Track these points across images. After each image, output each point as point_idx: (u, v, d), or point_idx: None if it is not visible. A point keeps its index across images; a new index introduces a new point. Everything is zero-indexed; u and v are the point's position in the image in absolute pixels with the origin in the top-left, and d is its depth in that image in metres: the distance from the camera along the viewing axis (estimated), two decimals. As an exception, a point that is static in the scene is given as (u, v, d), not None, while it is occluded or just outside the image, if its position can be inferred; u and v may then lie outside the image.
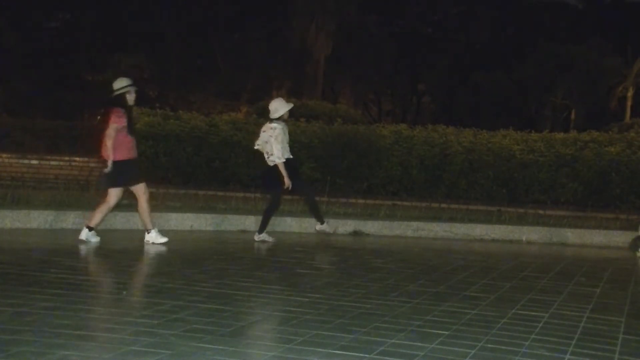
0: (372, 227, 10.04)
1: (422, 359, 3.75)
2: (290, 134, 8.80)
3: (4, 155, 17.30)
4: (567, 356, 3.96)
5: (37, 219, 8.54)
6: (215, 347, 3.75)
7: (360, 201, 13.37)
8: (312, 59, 33.49)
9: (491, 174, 15.03)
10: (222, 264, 6.74)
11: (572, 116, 37.38)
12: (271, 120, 8.54)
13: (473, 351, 3.93)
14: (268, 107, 8.85)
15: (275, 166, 8.43)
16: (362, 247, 8.77)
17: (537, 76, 35.28)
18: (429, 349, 3.92)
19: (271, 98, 26.34)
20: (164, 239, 7.84)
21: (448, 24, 42.81)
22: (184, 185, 14.65)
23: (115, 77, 8.28)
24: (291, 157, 8.62)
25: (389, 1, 39.90)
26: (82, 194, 10.48)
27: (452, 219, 10.76)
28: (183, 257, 7.32)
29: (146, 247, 7.66)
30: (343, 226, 9.85)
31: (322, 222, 8.85)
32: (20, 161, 17.09)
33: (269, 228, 8.70)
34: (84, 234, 7.78)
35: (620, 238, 10.23)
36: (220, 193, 13.54)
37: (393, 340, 4.05)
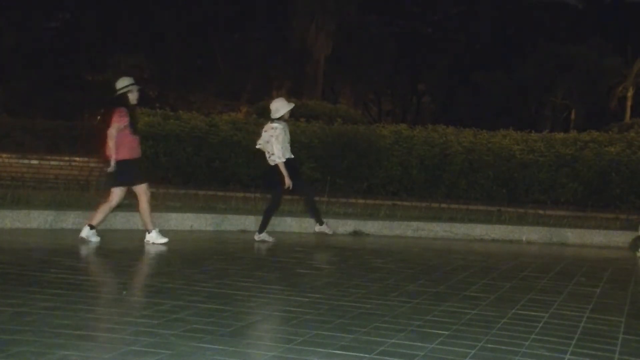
0: (372, 227, 10.04)
1: (422, 359, 3.75)
2: (290, 133, 8.80)
3: (4, 155, 17.30)
4: (567, 356, 3.96)
5: (37, 219, 8.54)
6: (215, 347, 3.75)
7: (360, 201, 13.37)
8: (312, 59, 33.49)
9: (491, 174, 15.04)
10: (222, 264, 6.74)
11: (572, 116, 37.38)
12: (272, 120, 8.55)
13: (473, 351, 3.93)
14: (269, 107, 8.85)
15: (276, 166, 8.43)
16: (362, 247, 8.77)
17: (537, 76, 35.28)
18: (429, 349, 3.92)
19: (271, 98, 26.32)
20: (164, 240, 7.84)
21: (448, 24, 42.81)
22: (184, 185, 14.65)
23: (116, 77, 8.29)
24: (292, 157, 8.62)
25: (389, 1, 39.90)
26: (82, 194, 10.48)
27: (452, 219, 10.76)
28: (183, 257, 7.32)
29: (146, 247, 7.66)
30: (343, 226, 9.85)
31: (320, 224, 8.84)
32: (20, 161, 17.09)
33: (269, 228, 8.70)
34: (85, 232, 7.78)
35: (620, 238, 10.23)
36: (220, 193, 13.54)
37: (393, 340, 4.05)
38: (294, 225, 9.72)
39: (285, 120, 8.63)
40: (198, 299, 4.96)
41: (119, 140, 7.68)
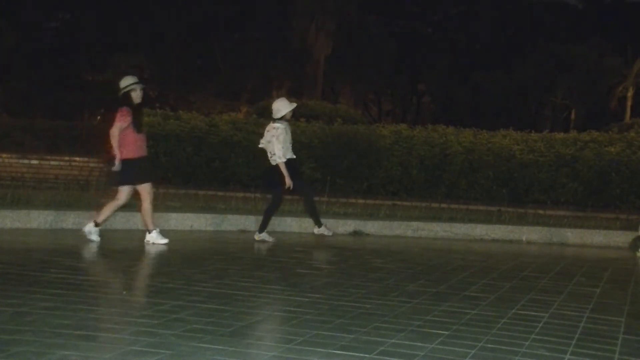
0: (372, 227, 10.03)
1: (422, 359, 3.75)
2: (291, 133, 8.79)
3: (4, 155, 17.30)
4: (567, 356, 3.96)
5: (37, 219, 8.54)
6: (215, 347, 3.75)
7: (360, 201, 13.37)
8: (312, 59, 33.51)
9: (491, 174, 15.04)
10: (222, 264, 6.74)
11: (572, 116, 37.41)
12: (274, 120, 8.54)
13: (473, 351, 3.93)
14: (269, 107, 8.85)
15: (277, 166, 8.43)
16: (362, 247, 8.77)
17: (537, 76, 35.31)
18: (429, 349, 3.92)
19: (271, 98, 26.33)
20: (165, 240, 7.84)
21: (448, 24, 42.85)
22: (184, 185, 14.65)
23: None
24: (294, 157, 8.61)
25: (389, 1, 39.92)
26: (82, 194, 10.48)
27: (452, 219, 10.76)
28: (183, 257, 7.32)
29: (146, 247, 7.66)
30: (343, 226, 9.85)
31: (319, 226, 8.83)
32: (20, 161, 17.08)
33: (269, 228, 8.70)
34: (88, 228, 7.81)
35: (620, 238, 10.23)
36: (220, 193, 13.54)
37: (393, 340, 4.05)
38: (294, 225, 9.72)
39: (287, 120, 8.62)
40: (198, 299, 4.96)
41: (123, 140, 7.69)
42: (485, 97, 37.15)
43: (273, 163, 8.49)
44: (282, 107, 8.54)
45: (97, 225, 7.84)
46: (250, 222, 9.47)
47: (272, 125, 8.57)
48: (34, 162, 17.12)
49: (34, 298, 4.71)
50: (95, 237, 7.79)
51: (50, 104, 30.97)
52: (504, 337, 4.27)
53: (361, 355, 3.74)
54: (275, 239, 8.68)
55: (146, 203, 7.84)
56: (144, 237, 7.93)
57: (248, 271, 6.38)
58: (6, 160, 17.12)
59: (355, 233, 9.86)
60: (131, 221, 8.85)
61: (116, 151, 7.68)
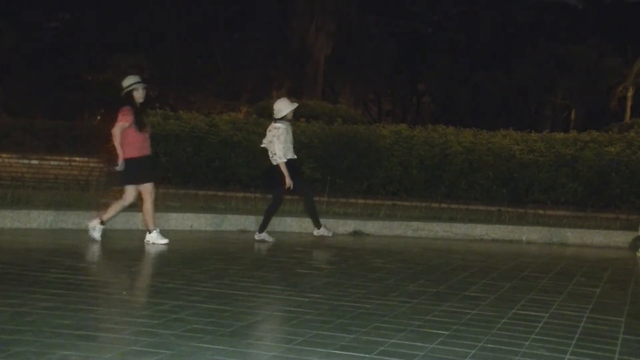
0: (372, 227, 10.03)
1: (422, 359, 3.75)
2: (292, 133, 8.78)
3: (4, 155, 17.30)
4: (567, 356, 3.96)
5: (37, 219, 8.54)
6: (215, 347, 3.75)
7: (360, 201, 13.37)
8: (312, 59, 33.50)
9: (491, 174, 15.03)
10: (222, 264, 6.74)
11: (572, 116, 37.42)
12: (275, 120, 8.55)
13: (473, 351, 3.93)
14: (269, 107, 8.87)
15: (277, 166, 8.44)
16: (362, 247, 8.77)
17: (537, 76, 35.31)
18: (429, 349, 3.92)
19: (271, 98, 26.25)
20: (165, 240, 7.85)
21: (448, 24, 42.83)
22: (184, 185, 14.65)
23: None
24: (295, 157, 8.61)
25: (389, 1, 39.92)
26: (82, 194, 10.48)
27: (452, 219, 10.76)
28: (183, 257, 7.32)
29: (146, 247, 7.66)
30: (343, 226, 9.85)
31: (319, 227, 8.82)
32: (20, 161, 17.08)
33: (269, 228, 8.70)
34: (93, 224, 7.85)
35: (620, 238, 10.23)
36: (220, 193, 13.54)
37: (393, 340, 4.05)
38: (294, 225, 9.72)
39: (288, 121, 8.62)
40: (198, 299, 4.96)
41: (125, 139, 7.70)
42: (485, 97, 37.15)
43: (274, 163, 8.49)
44: (283, 107, 8.54)
45: (102, 223, 7.87)
46: (250, 222, 9.47)
47: (273, 125, 8.58)
48: (34, 162, 17.12)
49: (34, 298, 4.71)
50: (97, 235, 7.81)
51: (50, 104, 30.96)
52: (504, 337, 4.27)
53: (361, 355, 3.74)
54: (275, 239, 8.68)
55: (147, 203, 7.84)
56: (144, 237, 7.93)
57: (248, 271, 6.38)
58: (6, 160, 17.11)
59: (355, 233, 9.86)
60: (131, 221, 8.85)
61: (119, 151, 7.69)
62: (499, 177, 15.04)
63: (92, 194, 10.49)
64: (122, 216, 8.84)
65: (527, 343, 4.17)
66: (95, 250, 7.47)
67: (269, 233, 8.68)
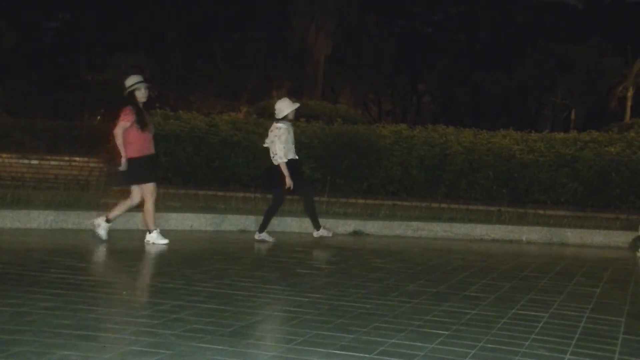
0: (372, 227, 10.03)
1: (422, 359, 3.75)
2: (293, 134, 8.78)
3: (4, 155, 17.30)
4: (567, 356, 3.96)
5: (37, 219, 8.54)
6: (215, 347, 3.75)
7: (360, 201, 13.37)
8: (312, 59, 33.51)
9: (491, 174, 15.03)
10: (222, 264, 6.74)
11: (572, 116, 37.42)
12: (277, 120, 8.56)
13: (473, 351, 3.93)
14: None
15: (278, 166, 8.45)
16: (362, 247, 8.77)
17: (537, 76, 35.32)
18: (429, 349, 3.92)
19: (271, 98, 26.22)
20: (165, 241, 7.85)
21: (448, 24, 42.84)
22: (184, 185, 14.66)
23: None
24: (296, 157, 8.61)
25: (389, 1, 39.92)
26: (82, 194, 10.48)
27: (452, 219, 10.76)
28: (183, 257, 7.32)
29: (146, 247, 7.66)
30: (343, 226, 9.85)
31: (318, 228, 8.81)
32: (20, 161, 17.09)
33: (269, 228, 8.70)
34: (98, 221, 7.91)
35: (620, 238, 10.23)
36: (220, 193, 13.55)
37: (393, 340, 4.05)
38: (294, 225, 9.72)
39: (290, 121, 8.63)
40: (198, 299, 4.96)
41: (128, 139, 7.71)
42: (485, 97, 37.15)
43: (275, 163, 8.50)
44: (284, 107, 8.55)
45: (108, 221, 7.89)
46: (250, 222, 9.47)
47: (275, 125, 8.59)
48: (34, 162, 17.13)
49: (34, 298, 4.71)
50: (103, 233, 7.85)
51: (50, 104, 30.96)
52: (504, 337, 4.27)
53: (361, 355, 3.74)
54: (275, 239, 8.68)
55: (149, 203, 7.85)
56: (144, 237, 7.94)
57: (248, 271, 6.38)
58: (6, 160, 17.12)
59: (355, 233, 9.86)
60: (131, 221, 8.85)
61: (121, 151, 7.71)
62: (499, 177, 15.04)
63: (92, 194, 10.49)
64: (122, 216, 8.83)
65: (527, 343, 4.17)
66: (95, 250, 7.47)
67: (269, 233, 8.68)
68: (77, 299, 4.77)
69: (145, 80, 8.05)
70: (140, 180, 7.84)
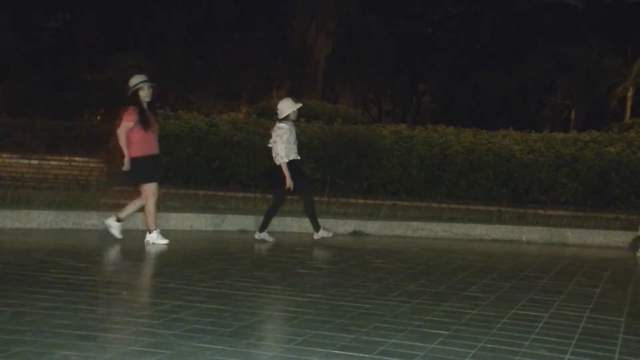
0: (372, 227, 10.03)
1: (422, 359, 3.75)
2: (295, 134, 8.77)
3: (4, 155, 17.31)
4: (567, 356, 3.96)
5: (37, 219, 8.54)
6: (215, 347, 3.75)
7: (360, 201, 13.37)
8: (312, 59, 33.50)
9: (491, 174, 15.03)
10: (222, 264, 6.74)
11: (572, 116, 37.42)
12: (279, 121, 8.57)
13: (473, 351, 3.93)
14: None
15: (280, 166, 8.45)
16: (362, 247, 8.78)
17: (537, 76, 35.32)
18: (429, 349, 3.92)
19: (271, 98, 26.20)
20: (165, 241, 7.85)
21: (448, 24, 42.81)
22: (184, 185, 14.65)
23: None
24: (298, 158, 8.61)
25: (389, 1, 39.90)
26: (82, 194, 10.48)
27: (452, 219, 10.76)
28: (183, 257, 7.32)
29: (146, 247, 7.66)
30: (343, 226, 9.84)
31: (317, 230, 8.78)
32: (20, 161, 17.09)
33: (269, 228, 8.70)
34: (109, 221, 7.99)
35: (620, 238, 10.23)
36: (220, 193, 13.55)
37: (393, 340, 4.05)
38: (294, 225, 9.72)
39: (292, 121, 8.63)
40: (198, 299, 4.96)
41: (131, 139, 7.72)
42: (485, 97, 37.15)
43: (277, 163, 8.50)
44: (286, 107, 8.56)
45: (119, 220, 7.93)
46: (250, 222, 9.47)
47: (277, 125, 8.60)
48: (34, 162, 17.13)
49: (34, 298, 4.71)
50: (116, 232, 7.92)
51: (50, 104, 30.97)
52: (504, 337, 4.27)
53: (361, 355, 3.74)
54: (275, 239, 8.68)
55: (150, 203, 7.85)
56: (144, 237, 7.94)
57: (248, 271, 6.38)
58: (6, 160, 17.13)
59: (355, 233, 9.86)
60: (131, 221, 8.83)
61: (124, 150, 7.72)
62: (499, 177, 15.03)
63: (92, 194, 10.49)
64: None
65: (527, 343, 4.17)
66: (95, 250, 7.47)
67: (269, 233, 8.68)
68: (77, 299, 4.77)
69: (149, 80, 8.04)
70: (141, 180, 7.85)
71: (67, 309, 4.45)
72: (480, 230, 10.25)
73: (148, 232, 7.90)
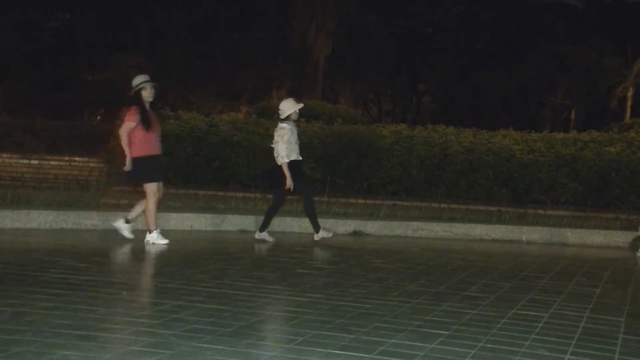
0: (372, 227, 10.03)
1: (422, 359, 3.75)
2: (297, 134, 8.76)
3: (4, 155, 17.31)
4: (567, 356, 3.96)
5: (37, 219, 8.54)
6: (215, 347, 3.75)
7: (360, 201, 13.38)
8: (312, 59, 33.50)
9: (491, 174, 15.04)
10: (222, 264, 6.74)
11: (572, 116, 37.43)
12: (281, 121, 8.57)
13: (473, 351, 3.93)
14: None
15: (280, 166, 8.45)
16: (362, 247, 8.77)
17: (537, 76, 35.33)
18: (429, 349, 3.92)
19: (271, 98, 26.17)
20: (165, 241, 7.85)
21: (448, 24, 42.83)
22: (184, 185, 14.66)
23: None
24: (299, 158, 8.60)
25: (389, 1, 39.91)
26: (82, 194, 10.48)
27: (452, 219, 10.76)
28: (183, 257, 7.32)
29: (146, 247, 7.66)
30: (343, 226, 9.84)
31: (317, 231, 8.76)
32: (20, 161, 17.09)
33: (269, 228, 8.70)
34: (118, 224, 8.02)
35: (620, 238, 10.22)
36: (220, 193, 13.55)
37: (393, 340, 4.05)
38: (294, 225, 9.72)
39: (294, 121, 8.63)
40: (198, 299, 4.95)
41: (132, 139, 7.73)
42: (485, 97, 37.16)
43: (278, 163, 8.51)
44: (287, 107, 8.56)
45: (127, 222, 7.94)
46: (250, 222, 9.47)
47: (279, 125, 8.60)
48: (34, 162, 17.13)
49: (34, 298, 4.71)
50: (127, 233, 7.93)
51: (50, 104, 30.97)
52: (504, 337, 4.27)
53: (361, 355, 3.74)
54: (275, 239, 8.68)
55: (151, 203, 7.85)
56: (144, 237, 7.94)
57: (248, 271, 6.38)
58: (6, 160, 17.13)
59: (356, 233, 9.86)
60: (131, 221, 8.84)
61: (126, 150, 7.72)
62: (499, 177, 15.04)
63: (92, 194, 10.49)
64: (122, 216, 8.83)
65: (527, 343, 4.17)
66: (95, 250, 7.47)
67: (269, 233, 8.68)
68: (77, 299, 4.77)
69: (152, 80, 8.03)
70: (142, 180, 7.85)
71: (67, 309, 4.45)
72: (480, 230, 10.25)
73: (148, 232, 7.90)
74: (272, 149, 8.69)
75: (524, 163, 14.98)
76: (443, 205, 13.53)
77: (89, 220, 8.68)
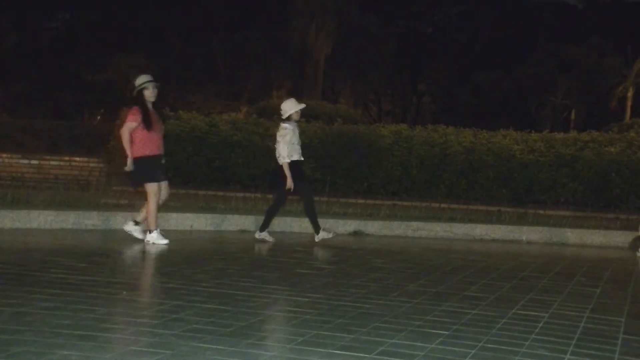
0: (372, 227, 10.03)
1: (422, 359, 3.74)
2: (299, 135, 8.75)
3: (4, 155, 17.31)
4: (567, 356, 3.96)
5: (37, 219, 8.54)
6: (215, 347, 3.75)
7: (360, 201, 13.37)
8: (312, 59, 33.50)
9: (491, 174, 15.04)
10: (222, 264, 6.74)
11: (572, 116, 37.43)
12: (283, 121, 8.57)
13: (473, 351, 3.93)
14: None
15: (281, 166, 8.46)
16: (362, 247, 8.77)
17: (537, 76, 35.32)
18: (429, 349, 3.92)
19: (271, 98, 26.16)
20: (165, 241, 7.85)
21: (448, 24, 42.81)
22: (184, 185, 14.65)
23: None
24: (301, 159, 8.59)
25: (389, 1, 39.90)
26: (82, 194, 10.48)
27: (452, 219, 10.76)
28: (183, 257, 7.31)
29: (147, 247, 7.65)
30: (343, 226, 9.84)
31: (318, 232, 8.74)
32: (20, 161, 17.09)
33: (269, 228, 8.70)
34: (128, 227, 8.00)
35: (620, 238, 10.23)
36: (220, 193, 13.55)
37: (393, 340, 4.05)
38: (294, 225, 9.72)
39: (295, 121, 8.63)
40: (198, 299, 4.95)
41: (134, 138, 7.73)
42: (485, 97, 37.15)
43: (279, 163, 8.51)
44: (288, 108, 8.56)
45: (136, 223, 7.93)
46: (250, 222, 9.47)
47: (281, 125, 8.61)
48: (34, 162, 17.12)
49: (34, 298, 4.71)
50: (138, 234, 7.91)
51: (50, 104, 30.98)
52: (504, 337, 4.27)
53: (361, 355, 3.74)
54: (275, 239, 8.68)
55: (152, 203, 7.84)
56: (144, 237, 7.94)
57: (248, 271, 6.38)
58: (6, 160, 17.12)
59: (356, 233, 9.86)
60: (131, 221, 8.84)
61: (127, 151, 7.72)
62: (499, 177, 15.04)
63: (92, 194, 10.49)
64: (123, 216, 8.84)
65: (527, 343, 4.17)
66: (95, 250, 7.47)
67: (270, 233, 8.68)
68: (77, 299, 4.77)
69: (155, 80, 8.03)
70: (144, 180, 7.85)
71: (67, 309, 4.45)
72: (480, 230, 10.25)
73: (148, 232, 7.90)
74: (272, 149, 8.69)
75: (524, 163, 14.98)
76: (443, 205, 13.53)
77: (89, 220, 8.68)
